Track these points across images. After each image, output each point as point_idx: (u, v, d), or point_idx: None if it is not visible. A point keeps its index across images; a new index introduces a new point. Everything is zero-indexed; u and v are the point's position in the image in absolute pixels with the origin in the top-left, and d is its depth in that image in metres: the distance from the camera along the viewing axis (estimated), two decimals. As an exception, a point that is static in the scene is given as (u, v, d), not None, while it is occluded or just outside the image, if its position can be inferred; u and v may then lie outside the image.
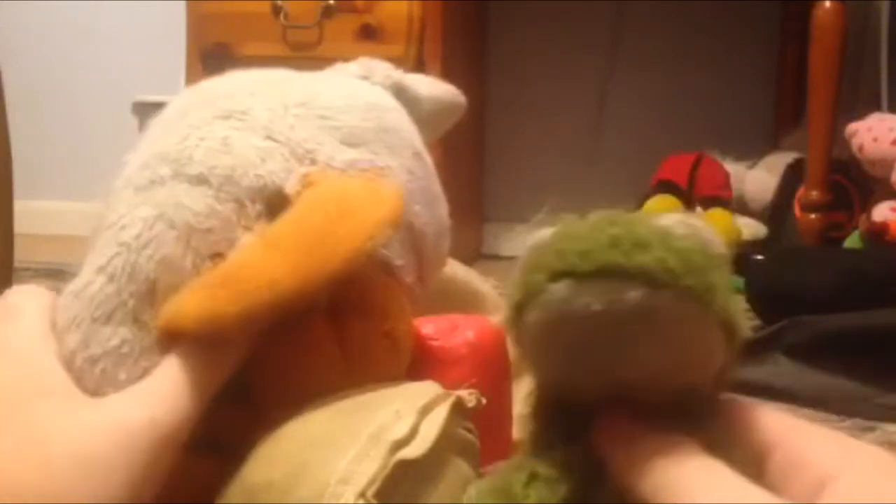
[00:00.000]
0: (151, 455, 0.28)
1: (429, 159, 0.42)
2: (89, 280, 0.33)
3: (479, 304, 0.49)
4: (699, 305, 0.23)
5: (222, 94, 0.38)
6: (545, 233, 0.26)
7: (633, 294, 0.23)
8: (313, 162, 0.36)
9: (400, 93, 0.44)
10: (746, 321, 0.26)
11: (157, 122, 0.39)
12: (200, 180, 0.34)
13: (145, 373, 0.32)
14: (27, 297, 0.34)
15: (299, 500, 0.28)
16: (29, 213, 1.48)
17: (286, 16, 1.55)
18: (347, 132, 0.38)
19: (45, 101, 2.25)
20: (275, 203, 0.35)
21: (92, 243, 0.37)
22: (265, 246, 0.32)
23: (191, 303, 0.31)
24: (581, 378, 0.26)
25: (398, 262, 0.37)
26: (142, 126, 0.40)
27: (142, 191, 0.34)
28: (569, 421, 0.27)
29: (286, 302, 0.30)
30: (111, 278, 0.33)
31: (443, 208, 0.42)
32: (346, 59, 0.45)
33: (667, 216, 0.26)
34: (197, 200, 0.34)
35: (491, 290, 0.52)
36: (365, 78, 0.43)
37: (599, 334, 0.24)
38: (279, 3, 1.55)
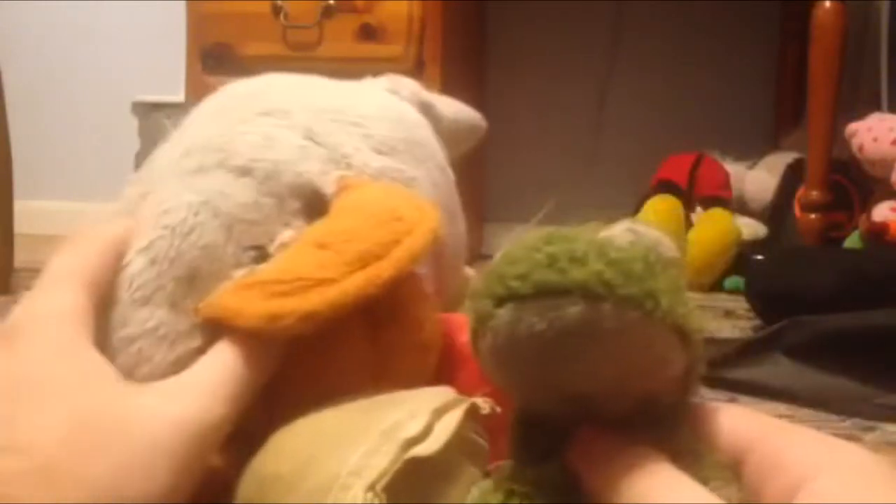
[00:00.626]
0: (195, 446, 0.29)
1: (451, 175, 0.43)
2: (129, 259, 0.33)
3: None
4: (641, 313, 0.24)
5: (260, 93, 0.39)
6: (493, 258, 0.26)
7: (573, 310, 0.23)
8: (349, 166, 0.37)
9: (425, 110, 0.45)
10: (701, 321, 0.26)
11: (192, 118, 0.39)
12: (244, 172, 0.35)
13: (178, 358, 0.32)
14: (77, 257, 0.33)
15: (309, 491, 0.28)
16: (29, 213, 1.48)
17: (286, 16, 1.55)
18: (379, 141, 0.39)
19: (45, 101, 2.25)
20: (312, 202, 0.36)
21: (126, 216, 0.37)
22: (317, 245, 0.32)
23: (250, 300, 0.31)
24: (542, 395, 0.27)
25: (421, 271, 0.37)
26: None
27: (185, 177, 0.35)
28: (544, 437, 0.27)
29: (344, 303, 0.31)
30: (153, 261, 0.33)
31: (462, 223, 0.44)
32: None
33: (614, 225, 0.27)
34: (241, 191, 0.34)
35: None
36: (393, 92, 0.44)
37: (548, 352, 0.24)
38: (279, 3, 1.55)
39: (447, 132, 0.47)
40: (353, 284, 0.31)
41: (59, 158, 2.25)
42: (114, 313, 0.33)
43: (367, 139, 0.38)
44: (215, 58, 1.57)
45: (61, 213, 2.11)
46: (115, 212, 0.38)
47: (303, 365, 0.33)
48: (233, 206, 0.34)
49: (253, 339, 0.31)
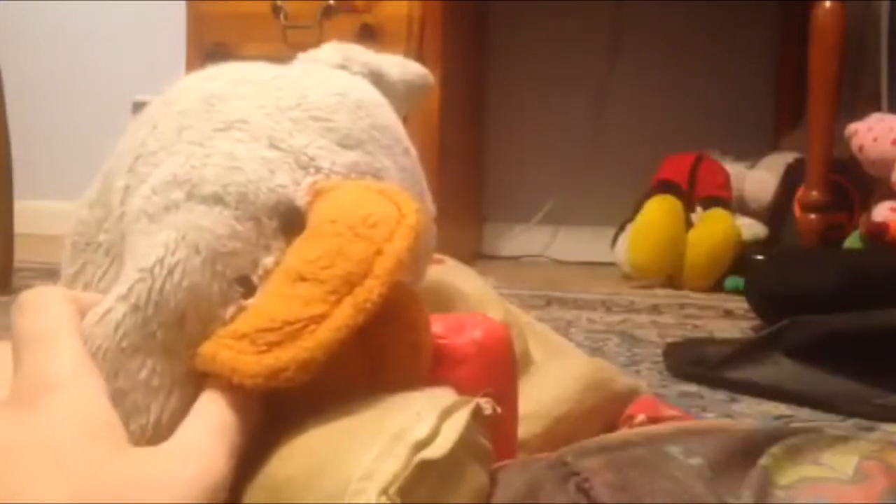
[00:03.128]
0: None
1: (414, 151, 0.42)
2: (110, 307, 0.32)
3: (465, 304, 0.49)
4: None
5: (211, 101, 0.37)
6: None
7: None
8: (318, 170, 0.35)
9: (377, 80, 0.44)
10: None
11: (150, 129, 0.37)
12: (216, 200, 0.33)
13: (178, 404, 0.31)
14: (55, 313, 0.32)
15: (322, 495, 0.28)
16: (29, 213, 1.48)
17: (286, 16, 1.55)
18: (344, 134, 0.37)
19: (45, 101, 2.25)
20: (288, 218, 0.34)
21: (76, 255, 0.36)
22: (298, 278, 0.31)
23: (243, 354, 0.30)
24: None
25: None
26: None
27: (156, 218, 0.33)
28: None
29: (339, 339, 0.30)
30: (136, 307, 0.31)
31: (429, 199, 0.43)
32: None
33: None
34: (217, 222, 0.33)
35: (476, 290, 0.51)
36: (344, 67, 0.43)
37: None
38: (279, 3, 1.55)
39: (400, 96, 0.45)
40: (343, 316, 0.30)
41: (59, 158, 2.25)
42: (103, 363, 0.31)
43: (331, 133, 0.37)
44: (215, 58, 1.57)
45: (61, 213, 2.11)
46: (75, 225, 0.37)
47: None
48: (212, 240, 0.32)
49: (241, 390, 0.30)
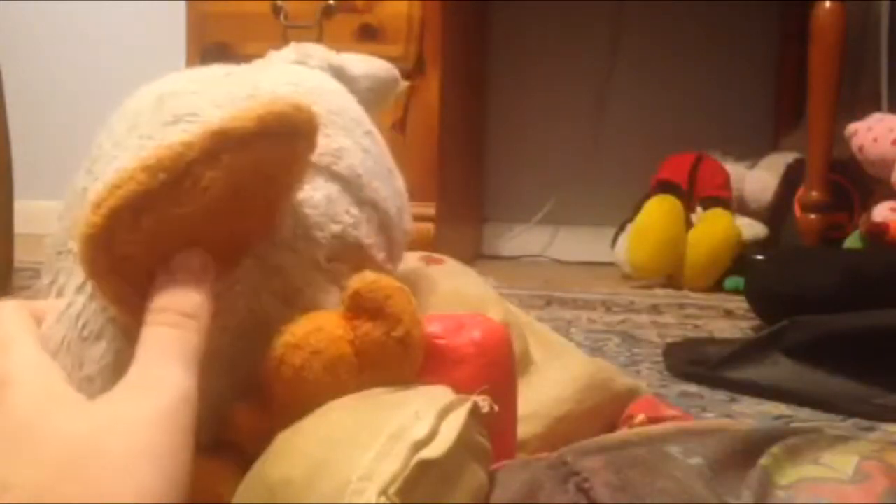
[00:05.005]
0: (169, 441, 0.28)
1: (379, 135, 0.43)
2: (70, 300, 0.33)
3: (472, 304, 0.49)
4: None
5: (164, 99, 0.38)
6: None
7: None
8: None
9: (338, 74, 0.44)
10: None
11: (107, 133, 0.38)
12: None
13: None
14: (8, 320, 0.34)
15: (321, 496, 0.28)
16: (29, 213, 1.48)
17: (286, 16, 1.55)
18: None
19: (45, 101, 2.25)
20: None
21: (51, 264, 0.36)
22: None
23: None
24: None
25: (367, 240, 0.38)
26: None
27: None
28: None
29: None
30: (92, 296, 0.32)
31: (399, 181, 0.43)
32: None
33: None
34: None
35: (476, 290, 0.51)
36: (302, 63, 0.43)
37: None
38: (279, 3, 1.55)
39: (364, 91, 0.45)
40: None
41: (59, 158, 2.25)
42: (67, 356, 0.32)
43: None
44: (215, 57, 1.57)
45: (61, 213, 2.11)
46: (49, 246, 0.38)
47: (283, 364, 0.33)
48: None
49: (171, 315, 0.31)
